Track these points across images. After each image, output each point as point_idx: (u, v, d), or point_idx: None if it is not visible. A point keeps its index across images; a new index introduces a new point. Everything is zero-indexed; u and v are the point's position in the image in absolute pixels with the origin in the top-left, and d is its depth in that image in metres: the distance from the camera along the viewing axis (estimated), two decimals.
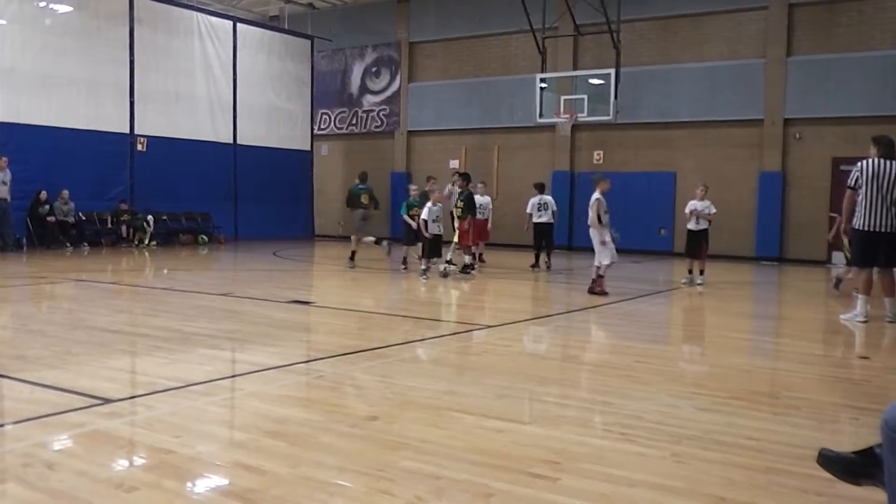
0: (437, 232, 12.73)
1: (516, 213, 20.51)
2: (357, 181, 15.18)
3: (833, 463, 2.76)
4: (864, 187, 8.45)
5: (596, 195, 10.87)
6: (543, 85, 19.44)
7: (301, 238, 23.24)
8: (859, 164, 8.63)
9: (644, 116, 20.22)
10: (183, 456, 3.55)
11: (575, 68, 21.05)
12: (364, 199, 14.93)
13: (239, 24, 22.26)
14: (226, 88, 21.78)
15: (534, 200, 15.12)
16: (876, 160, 8.47)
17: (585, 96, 18.95)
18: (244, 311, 8.75)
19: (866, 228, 8.49)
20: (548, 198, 15.19)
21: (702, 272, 12.64)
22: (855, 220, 8.60)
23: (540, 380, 5.53)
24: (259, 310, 8.78)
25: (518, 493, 3.17)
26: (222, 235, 21.02)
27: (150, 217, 18.93)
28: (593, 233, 10.89)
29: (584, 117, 18.88)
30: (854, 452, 2.72)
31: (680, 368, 6.41)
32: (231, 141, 21.93)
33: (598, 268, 10.85)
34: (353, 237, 14.86)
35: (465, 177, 14.33)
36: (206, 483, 3.31)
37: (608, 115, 18.38)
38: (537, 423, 4.36)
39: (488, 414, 4.40)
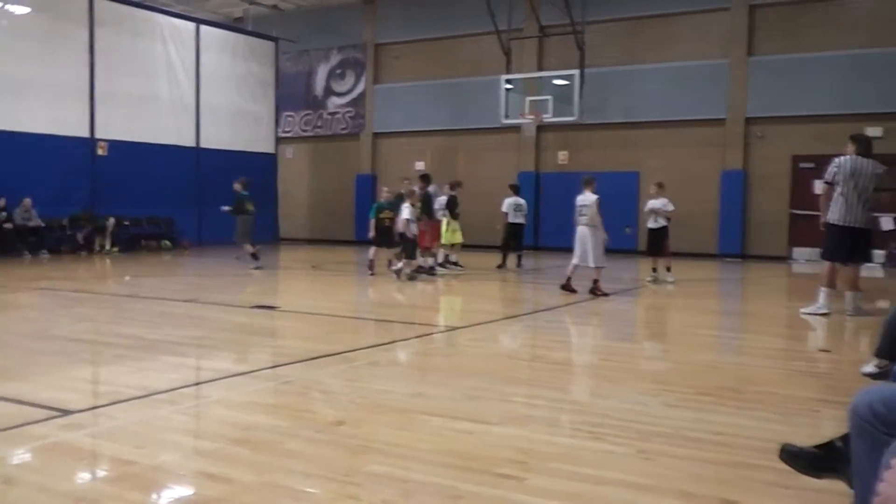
0: (415, 232, 12.73)
1: (483, 214, 20.53)
2: (240, 187, 15.69)
3: (795, 458, 2.78)
4: (841, 184, 8.59)
5: (594, 196, 10.96)
6: (509, 86, 19.50)
7: (266, 242, 23.03)
8: (837, 160, 8.79)
9: (609, 117, 20.35)
10: (146, 466, 3.48)
11: (540, 69, 21.13)
12: (249, 205, 15.58)
13: (202, 26, 22.00)
14: (189, 91, 21.52)
15: (509, 201, 15.24)
16: (854, 157, 8.62)
17: (550, 97, 19.04)
18: (209, 317, 8.65)
19: (842, 223, 8.64)
20: (522, 200, 15.39)
21: (668, 269, 12.73)
22: (830, 214, 8.75)
23: (508, 380, 5.53)
24: (224, 315, 8.69)
25: (487, 494, 3.16)
26: (186, 240, 20.77)
27: (111, 219, 18.56)
28: (590, 233, 10.79)
29: (549, 118, 18.97)
30: (815, 447, 2.75)
31: (646, 366, 6.45)
32: (194, 144, 21.67)
33: (599, 269, 10.80)
34: (241, 241, 15.33)
35: (424, 178, 14.50)
36: (170, 493, 3.25)
37: (573, 115, 18.48)
38: (506, 423, 4.35)
39: (456, 415, 4.39)
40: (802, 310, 9.05)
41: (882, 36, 17.66)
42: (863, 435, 1.91)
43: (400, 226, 12.55)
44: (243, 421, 4.28)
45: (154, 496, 3.18)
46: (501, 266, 14.91)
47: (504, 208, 15.32)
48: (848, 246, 8.71)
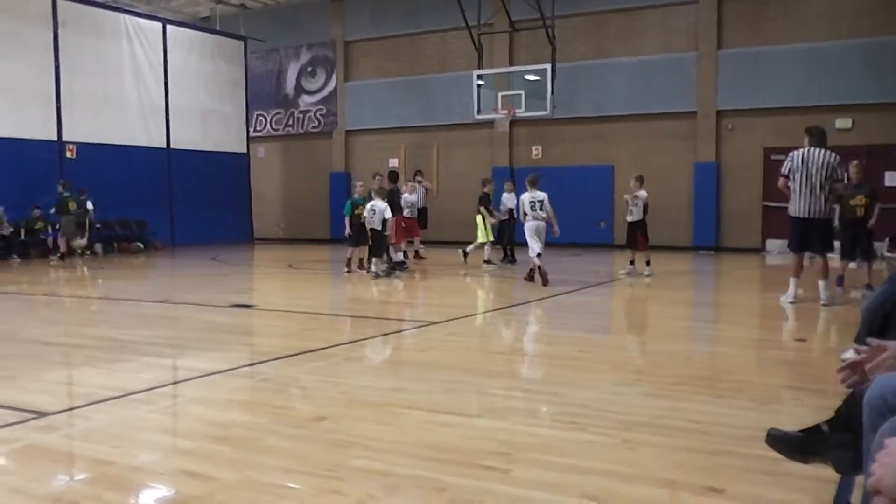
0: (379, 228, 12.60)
1: (457, 211, 20.54)
2: (62, 189, 16.67)
3: (781, 442, 2.80)
4: (794, 175, 8.71)
5: (544, 193, 11.58)
6: (480, 82, 19.49)
7: (240, 242, 22.89)
8: (791, 153, 8.92)
9: (581, 111, 20.42)
10: (124, 466, 3.43)
11: (511, 64, 21.15)
12: (71, 205, 16.62)
13: (169, 26, 21.77)
14: (157, 92, 21.29)
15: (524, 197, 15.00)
16: (807, 149, 8.73)
17: (522, 92, 19.05)
18: (183, 316, 8.57)
19: (797, 215, 8.75)
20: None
21: (648, 263, 12.74)
22: (789, 206, 8.88)
23: (487, 373, 5.53)
24: (199, 315, 8.61)
25: (470, 486, 3.15)
26: (158, 242, 20.56)
27: (89, 202, 18.10)
28: (545, 227, 11.47)
29: (521, 113, 18.98)
30: (801, 431, 2.76)
31: (624, 356, 6.48)
32: (164, 145, 21.45)
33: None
34: (62, 241, 16.56)
35: (392, 175, 14.70)
36: (149, 493, 3.21)
37: (545, 110, 18.51)
38: (486, 415, 4.35)
39: (437, 409, 4.37)
40: (781, 298, 9.15)
41: (849, 28, 17.88)
42: (876, 426, 1.92)
43: (376, 223, 12.40)
44: (222, 419, 4.23)
45: (133, 496, 3.14)
46: (510, 259, 14.89)
47: (517, 205, 15.07)
48: (801, 236, 8.84)
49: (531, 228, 11.54)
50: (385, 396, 4.73)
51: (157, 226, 20.77)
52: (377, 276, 12.36)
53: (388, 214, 12.44)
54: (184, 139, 21.83)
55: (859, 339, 4.96)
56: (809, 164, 8.62)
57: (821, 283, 8.84)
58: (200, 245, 20.72)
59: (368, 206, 12.55)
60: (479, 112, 19.38)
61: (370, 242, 12.64)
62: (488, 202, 14.61)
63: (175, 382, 5.40)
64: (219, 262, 16.63)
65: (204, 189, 21.99)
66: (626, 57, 20.21)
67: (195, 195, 21.80)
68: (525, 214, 11.65)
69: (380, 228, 12.45)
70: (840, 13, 18.12)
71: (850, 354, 5.24)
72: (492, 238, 14.64)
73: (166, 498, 3.14)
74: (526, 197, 11.68)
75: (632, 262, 12.89)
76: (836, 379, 2.33)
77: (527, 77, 19.23)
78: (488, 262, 14.33)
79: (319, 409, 4.44)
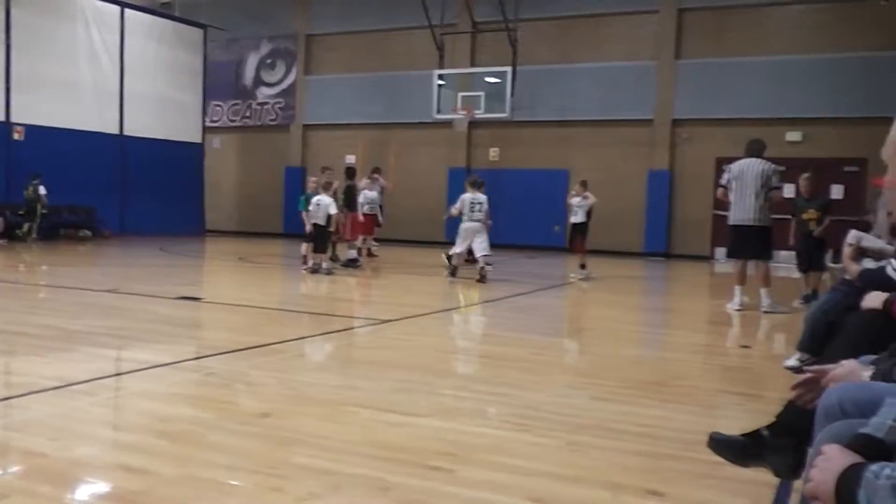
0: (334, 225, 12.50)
1: (413, 210, 20.53)
2: None
3: (723, 446, 2.84)
4: (732, 185, 9.09)
5: (485, 195, 12.21)
6: (441, 82, 19.51)
7: (192, 233, 22.56)
8: (730, 164, 9.37)
9: (540, 115, 20.53)
10: (60, 459, 3.34)
11: (473, 65, 21.19)
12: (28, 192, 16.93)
13: (127, 10, 21.35)
14: (112, 77, 20.87)
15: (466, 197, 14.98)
16: (744, 160, 9.10)
17: (483, 94, 19.12)
18: (131, 307, 8.40)
19: (734, 223, 9.15)
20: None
21: (582, 266, 12.80)
22: (728, 215, 9.19)
23: (437, 373, 5.51)
24: (147, 306, 8.45)
25: (415, 485, 3.13)
26: (108, 230, 20.16)
27: (41, 188, 17.71)
28: (483, 227, 12.03)
29: (481, 114, 19.04)
30: (743, 435, 2.80)
31: (574, 360, 6.52)
32: (118, 132, 21.05)
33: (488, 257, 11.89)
34: None
35: (349, 171, 14.80)
36: (86, 487, 3.13)
37: (505, 112, 18.59)
38: (435, 415, 4.33)
39: (385, 408, 4.34)
40: (728, 305, 9.33)
41: (801, 44, 18.26)
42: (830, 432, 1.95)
43: (321, 218, 12.24)
44: (165, 413, 4.15)
45: (69, 490, 3.06)
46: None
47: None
48: (736, 243, 9.22)
49: (467, 229, 11.97)
50: (333, 394, 4.69)
51: (106, 213, 20.37)
52: (328, 272, 12.20)
53: (333, 210, 12.28)
54: (138, 126, 21.43)
55: (802, 346, 5.06)
56: (746, 174, 8.96)
57: (763, 291, 9.05)
58: (151, 235, 20.37)
59: (314, 200, 12.42)
60: (438, 112, 19.40)
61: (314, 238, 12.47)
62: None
63: (119, 374, 5.28)
64: (169, 253, 16.36)
65: (157, 178, 21.61)
66: (587, 63, 20.38)
67: (147, 184, 21.42)
68: (462, 214, 12.00)
69: (324, 224, 12.28)
70: (796, 29, 18.52)
71: (793, 362, 5.35)
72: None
73: (103, 493, 3.07)
74: (467, 198, 12.01)
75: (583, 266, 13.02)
76: (792, 394, 2.36)
77: (487, 79, 19.29)
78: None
79: (265, 405, 4.38)
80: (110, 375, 5.14)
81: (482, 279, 11.51)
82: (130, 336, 6.62)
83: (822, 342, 4.56)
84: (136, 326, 7.10)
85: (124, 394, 4.75)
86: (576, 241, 12.84)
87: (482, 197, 12.12)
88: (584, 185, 12.94)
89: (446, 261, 14.08)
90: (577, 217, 12.82)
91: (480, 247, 11.81)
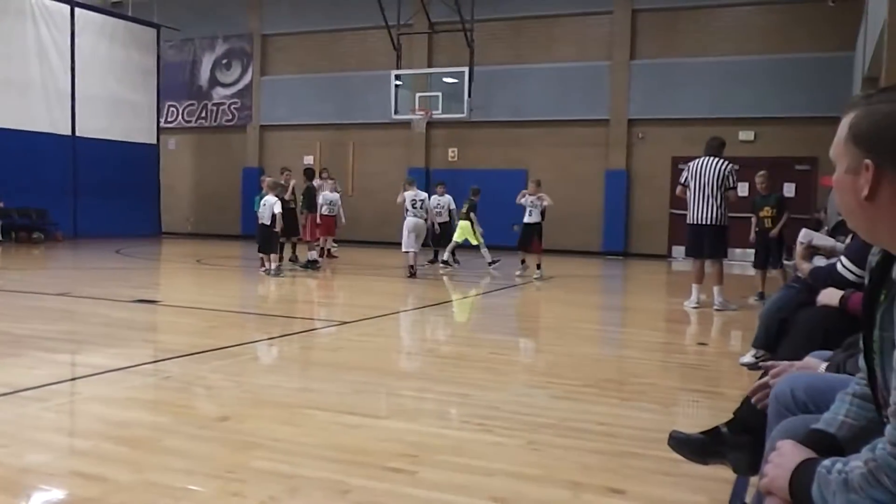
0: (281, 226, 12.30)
1: (372, 210, 20.46)
2: None
3: (683, 444, 2.86)
4: (690, 184, 9.16)
5: (424, 193, 13.08)
6: (398, 82, 19.47)
7: (147, 235, 22.22)
8: (689, 163, 9.40)
9: (497, 115, 20.59)
10: (10, 467, 3.26)
11: (430, 66, 21.18)
12: None
13: (77, 9, 20.93)
14: (63, 77, 20.45)
15: (408, 195, 14.97)
16: (701, 159, 9.19)
17: (440, 94, 19.12)
18: (84, 311, 8.24)
19: (691, 222, 9.23)
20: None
21: (538, 266, 12.90)
22: (686, 214, 9.25)
23: (397, 374, 5.50)
24: (100, 310, 8.30)
25: (376, 487, 3.11)
26: (60, 233, 19.75)
27: None
28: (423, 224, 12.89)
29: (438, 115, 19.04)
30: (702, 433, 2.84)
31: (534, 359, 6.54)
32: (70, 133, 20.63)
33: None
34: None
35: (307, 172, 14.98)
36: (38, 495, 3.05)
37: (462, 112, 18.62)
38: (395, 417, 4.32)
39: (344, 410, 4.31)
40: (685, 303, 9.44)
41: (752, 44, 18.58)
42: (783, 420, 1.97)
43: (266, 217, 12.10)
44: (120, 418, 4.08)
45: (21, 498, 2.98)
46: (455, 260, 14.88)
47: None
48: (693, 242, 9.30)
49: (411, 224, 12.64)
50: (292, 396, 4.65)
51: (59, 216, 19.95)
52: (276, 273, 12.03)
53: (278, 209, 12.05)
54: (91, 127, 21.02)
55: (757, 343, 5.15)
56: (703, 174, 9.04)
57: (715, 289, 9.14)
58: (105, 237, 20.01)
59: (262, 200, 12.31)
60: (396, 112, 19.37)
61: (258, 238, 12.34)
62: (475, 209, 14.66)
63: (72, 379, 5.17)
64: (124, 255, 16.09)
65: (110, 179, 21.23)
66: (542, 63, 20.49)
67: (101, 185, 21.03)
68: (406, 210, 12.78)
69: (268, 223, 12.09)
70: (747, 30, 18.83)
71: (748, 359, 5.44)
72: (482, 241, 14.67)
73: (57, 500, 3.00)
74: (409, 195, 12.85)
75: (523, 262, 13.21)
76: (749, 391, 2.39)
77: (445, 79, 19.31)
78: (445, 262, 14.44)
79: (223, 408, 4.33)
80: (62, 381, 5.03)
81: (413, 275, 12.21)
82: (83, 340, 6.48)
83: (776, 339, 4.64)
84: (89, 330, 6.96)
85: (77, 399, 4.65)
86: (532, 241, 12.88)
87: (423, 194, 13.03)
88: (538, 184, 13.01)
89: (446, 263, 14.17)
90: (531, 217, 12.86)
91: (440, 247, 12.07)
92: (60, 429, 4.05)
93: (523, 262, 13.19)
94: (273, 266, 12.10)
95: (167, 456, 3.45)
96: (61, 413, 4.34)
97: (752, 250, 10.89)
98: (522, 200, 12.90)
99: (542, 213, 12.94)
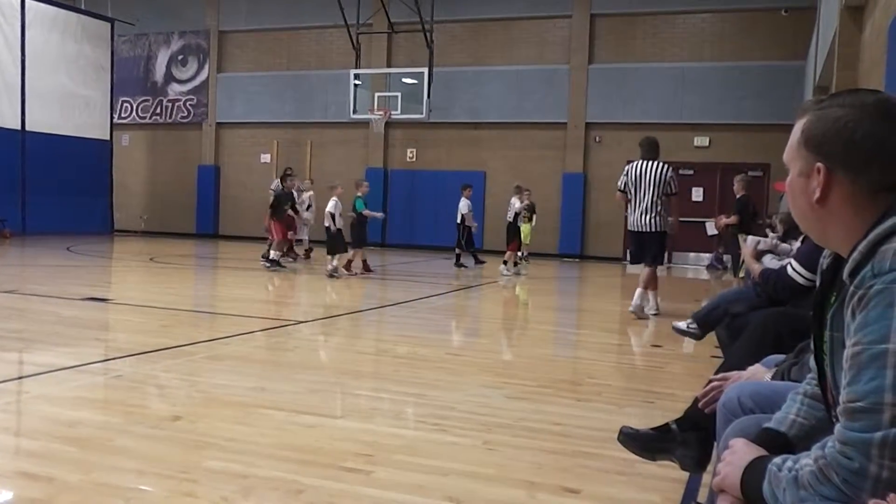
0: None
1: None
2: None
3: (633, 440, 2.89)
4: (630, 189, 8.79)
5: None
6: (357, 82, 19.39)
7: (99, 233, 21.82)
8: (626, 166, 9.06)
9: (456, 116, 20.64)
10: None
11: (389, 66, 21.14)
12: None
13: (28, 1, 20.46)
14: (13, 70, 19.98)
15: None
16: (640, 162, 8.78)
17: (399, 94, 19.09)
18: (32, 308, 8.07)
19: (632, 228, 8.93)
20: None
21: (505, 262, 13.69)
22: (627, 219, 9.07)
23: (353, 374, 5.47)
24: (49, 307, 8.13)
25: (330, 487, 3.09)
26: (8, 230, 19.29)
27: None
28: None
29: (397, 115, 19.01)
30: (652, 429, 2.87)
31: (490, 360, 6.56)
32: (19, 127, 20.18)
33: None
34: None
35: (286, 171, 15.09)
36: None
37: (421, 113, 18.61)
38: (350, 416, 4.30)
39: (299, 409, 4.28)
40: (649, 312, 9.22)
41: (710, 52, 18.89)
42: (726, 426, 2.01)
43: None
44: (69, 417, 3.99)
45: None
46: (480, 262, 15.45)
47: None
48: (636, 249, 9.00)
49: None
50: (245, 396, 4.60)
51: (6, 212, 19.48)
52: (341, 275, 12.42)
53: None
54: (41, 122, 20.59)
55: (696, 316, 5.17)
56: (644, 178, 8.67)
57: (637, 291, 8.93)
58: (55, 234, 19.61)
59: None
60: (354, 112, 19.29)
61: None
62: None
63: (20, 378, 5.06)
64: (74, 252, 15.79)
65: (62, 175, 20.81)
66: (501, 66, 20.58)
67: (51, 181, 20.60)
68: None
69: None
70: (702, 37, 19.14)
71: (681, 325, 5.46)
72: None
73: (3, 501, 2.92)
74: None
75: (516, 264, 13.75)
76: (699, 391, 2.42)
77: (404, 80, 19.28)
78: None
79: (175, 408, 4.27)
80: (9, 380, 4.92)
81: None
82: (31, 339, 6.34)
83: (713, 323, 4.70)
84: (37, 329, 6.81)
85: (24, 398, 4.55)
86: (509, 239, 14.40)
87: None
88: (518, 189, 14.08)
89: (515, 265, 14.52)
90: (510, 218, 14.37)
91: None
92: (7, 428, 3.96)
93: (516, 263, 14.10)
94: (331, 267, 12.53)
95: (117, 456, 3.39)
96: (8, 412, 4.25)
97: (706, 254, 11.04)
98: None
99: (516, 216, 14.41)
